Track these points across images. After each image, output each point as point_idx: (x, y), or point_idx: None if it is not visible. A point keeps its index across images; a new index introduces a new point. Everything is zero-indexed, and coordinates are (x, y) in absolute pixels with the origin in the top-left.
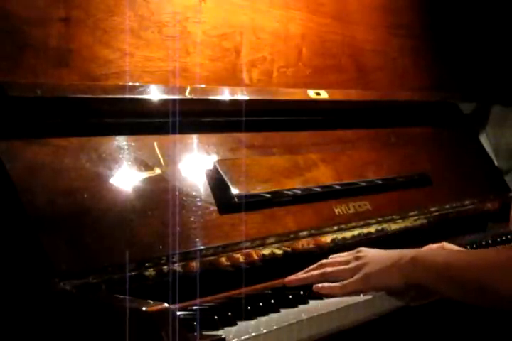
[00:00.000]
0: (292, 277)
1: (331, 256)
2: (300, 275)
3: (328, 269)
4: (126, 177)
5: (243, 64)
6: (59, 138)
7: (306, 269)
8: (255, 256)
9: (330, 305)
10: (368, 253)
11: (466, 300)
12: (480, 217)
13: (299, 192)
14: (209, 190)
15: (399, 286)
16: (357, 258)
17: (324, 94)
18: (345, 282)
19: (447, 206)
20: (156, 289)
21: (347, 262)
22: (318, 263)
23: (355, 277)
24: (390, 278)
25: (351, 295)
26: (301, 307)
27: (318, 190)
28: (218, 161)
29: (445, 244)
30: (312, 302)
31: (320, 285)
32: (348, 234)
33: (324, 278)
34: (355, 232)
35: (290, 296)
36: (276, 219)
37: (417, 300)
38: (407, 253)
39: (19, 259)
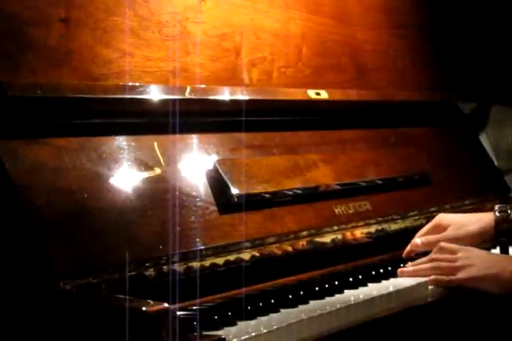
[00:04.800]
0: (404, 269)
1: (440, 245)
2: (412, 267)
3: (436, 264)
4: (126, 177)
5: (243, 64)
6: (59, 138)
7: (418, 261)
8: (255, 256)
9: (330, 305)
10: (473, 254)
11: None
12: None
13: (299, 192)
14: (209, 190)
15: (498, 292)
16: (465, 258)
17: (324, 94)
18: (452, 278)
19: (447, 206)
20: (156, 289)
21: (455, 260)
22: (429, 256)
23: (462, 275)
24: (491, 285)
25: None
26: (301, 307)
27: (318, 190)
28: (218, 161)
29: (442, 215)
30: (312, 303)
31: (433, 277)
32: (348, 234)
33: (433, 272)
34: (355, 232)
35: (290, 296)
36: (276, 219)
37: None
38: (509, 265)
39: (19, 259)
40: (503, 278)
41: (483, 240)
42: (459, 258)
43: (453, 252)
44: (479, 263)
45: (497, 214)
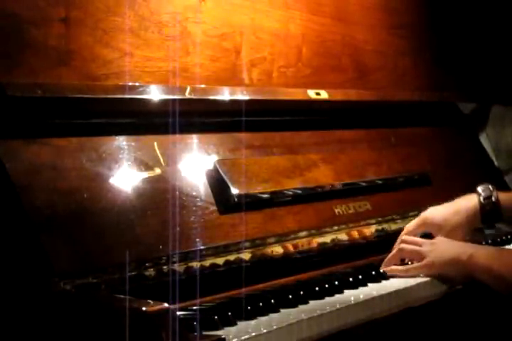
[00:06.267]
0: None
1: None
2: (386, 258)
3: (403, 246)
4: (126, 177)
5: (243, 64)
6: (59, 138)
7: (394, 246)
8: (255, 256)
9: (330, 305)
10: (440, 241)
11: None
12: None
13: (299, 192)
14: (209, 190)
15: (456, 277)
16: (430, 244)
17: (324, 94)
18: (409, 267)
19: None
20: (156, 289)
21: (422, 243)
22: (401, 239)
23: (422, 263)
24: (450, 270)
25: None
26: (301, 307)
27: (318, 190)
28: (218, 161)
29: (425, 216)
30: (312, 303)
31: (388, 268)
32: (348, 234)
33: (401, 254)
34: (356, 232)
35: (290, 296)
36: (276, 219)
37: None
38: (468, 249)
39: (19, 259)
40: (461, 261)
41: (472, 227)
42: (424, 245)
43: (418, 243)
44: (441, 250)
45: (482, 200)
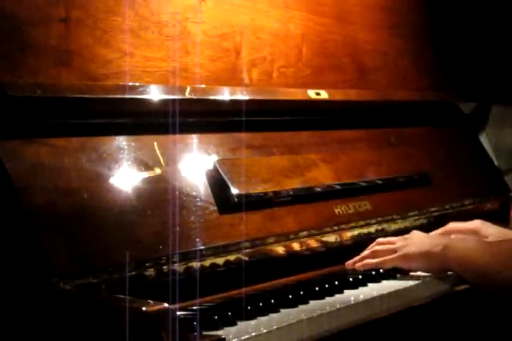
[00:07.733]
0: (350, 261)
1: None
2: (357, 257)
3: (378, 247)
4: (126, 177)
5: (243, 64)
6: (59, 138)
7: (367, 248)
8: (255, 256)
9: (330, 305)
10: (414, 235)
11: (484, 288)
12: (480, 217)
13: (299, 192)
14: (209, 190)
15: (433, 269)
16: (404, 239)
17: (324, 94)
18: (384, 258)
19: (447, 206)
20: (156, 289)
21: (396, 241)
22: (376, 241)
23: (396, 254)
24: (426, 262)
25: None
26: (301, 307)
27: (318, 190)
28: (218, 161)
29: (481, 224)
30: (312, 303)
31: (360, 264)
32: (348, 234)
33: (375, 255)
34: (355, 232)
35: (290, 296)
36: (276, 219)
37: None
38: (442, 241)
39: (19, 259)
40: (433, 252)
41: None
42: (398, 241)
43: (392, 241)
44: (415, 243)
45: None
